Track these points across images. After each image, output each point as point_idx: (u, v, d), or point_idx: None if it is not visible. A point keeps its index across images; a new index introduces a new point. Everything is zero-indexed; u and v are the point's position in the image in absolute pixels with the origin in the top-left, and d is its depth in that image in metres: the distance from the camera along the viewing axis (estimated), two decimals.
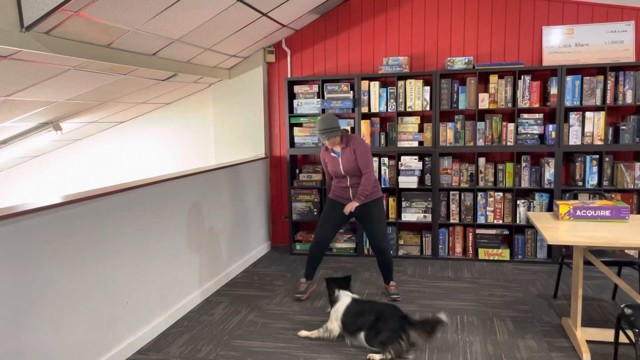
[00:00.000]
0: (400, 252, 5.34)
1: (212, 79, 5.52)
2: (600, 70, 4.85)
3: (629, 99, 4.72)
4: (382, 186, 5.26)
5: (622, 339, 2.73)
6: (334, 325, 3.40)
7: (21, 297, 2.46)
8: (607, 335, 3.22)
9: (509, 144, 4.96)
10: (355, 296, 3.54)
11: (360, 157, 3.99)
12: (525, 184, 5.01)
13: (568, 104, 4.81)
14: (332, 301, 3.54)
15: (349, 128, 5.29)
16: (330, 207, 4.22)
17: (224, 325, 3.73)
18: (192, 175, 4.10)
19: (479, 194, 5.10)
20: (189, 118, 5.98)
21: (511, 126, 4.94)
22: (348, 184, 4.10)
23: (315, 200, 5.43)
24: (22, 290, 2.47)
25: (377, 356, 3.12)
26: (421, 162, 5.17)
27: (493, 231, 5.12)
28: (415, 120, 5.16)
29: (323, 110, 5.30)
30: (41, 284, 2.59)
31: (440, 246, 5.23)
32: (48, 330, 2.63)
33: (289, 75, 5.65)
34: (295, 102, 5.39)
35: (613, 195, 4.81)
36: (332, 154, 4.11)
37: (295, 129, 5.44)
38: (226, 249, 4.71)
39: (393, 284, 4.22)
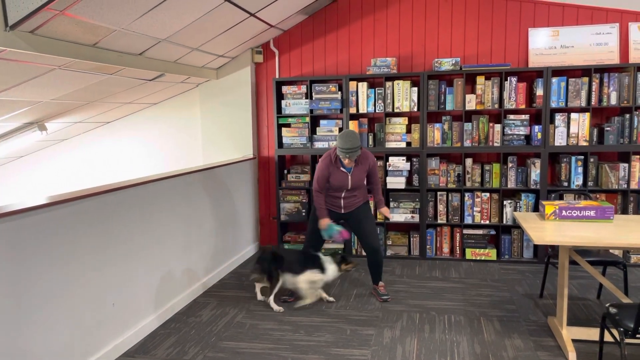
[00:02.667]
0: (389, 253, 5.35)
1: (199, 79, 5.49)
2: (585, 71, 4.91)
3: (614, 101, 4.78)
4: None
5: (607, 337, 2.76)
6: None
7: (6, 299, 2.43)
8: (593, 334, 3.26)
9: (495, 144, 5.00)
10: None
11: (373, 170, 4.09)
12: (511, 184, 5.05)
13: (553, 105, 4.86)
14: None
15: (336, 129, 5.30)
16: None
17: (212, 326, 3.71)
18: (179, 175, 4.08)
19: (466, 194, 5.13)
20: (176, 118, 5.94)
21: (498, 127, 4.98)
22: (343, 195, 4.09)
23: (304, 200, 5.42)
24: (7, 291, 2.44)
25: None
26: (409, 163, 5.19)
27: (480, 231, 5.16)
28: (403, 121, 5.18)
29: (311, 111, 5.30)
30: (27, 285, 2.55)
31: (427, 246, 5.26)
32: (33, 331, 2.60)
33: (277, 76, 5.64)
34: (283, 102, 5.39)
35: (598, 196, 4.87)
36: (342, 169, 3.99)
37: (284, 129, 5.43)
38: (214, 250, 4.69)
39: (382, 284, 4.23)
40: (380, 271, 4.21)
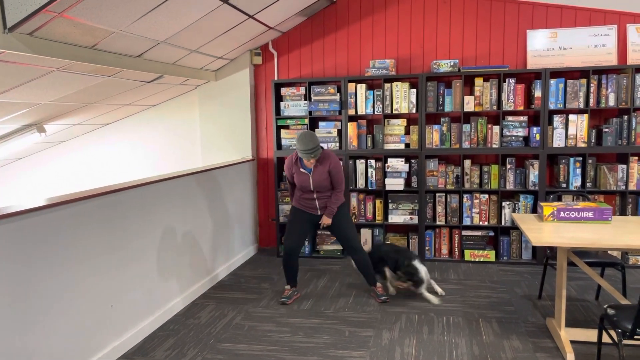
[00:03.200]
0: None
1: (198, 81, 5.50)
2: (583, 73, 4.92)
3: (612, 102, 4.79)
4: (369, 188, 5.30)
5: (606, 339, 2.77)
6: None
7: (5, 300, 2.43)
8: (591, 335, 3.26)
9: (494, 146, 5.00)
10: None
11: (335, 176, 4.03)
12: (510, 185, 5.06)
13: (552, 106, 4.87)
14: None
15: (335, 131, 5.30)
16: (295, 216, 4.21)
17: (210, 328, 3.71)
18: (178, 177, 4.08)
19: (465, 195, 5.14)
20: (175, 120, 5.94)
21: (496, 128, 4.98)
22: (315, 196, 4.10)
23: None
24: (7, 292, 2.44)
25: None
26: (407, 164, 5.19)
27: (479, 233, 5.16)
28: (402, 122, 5.19)
29: (310, 113, 5.31)
30: (26, 286, 2.55)
31: (426, 248, 5.26)
32: (33, 332, 2.60)
33: (276, 77, 5.64)
34: (282, 104, 5.39)
35: (596, 197, 4.88)
36: (302, 169, 4.05)
37: (282, 131, 5.43)
38: (213, 252, 4.69)
39: (379, 286, 4.24)
40: (372, 272, 4.21)
